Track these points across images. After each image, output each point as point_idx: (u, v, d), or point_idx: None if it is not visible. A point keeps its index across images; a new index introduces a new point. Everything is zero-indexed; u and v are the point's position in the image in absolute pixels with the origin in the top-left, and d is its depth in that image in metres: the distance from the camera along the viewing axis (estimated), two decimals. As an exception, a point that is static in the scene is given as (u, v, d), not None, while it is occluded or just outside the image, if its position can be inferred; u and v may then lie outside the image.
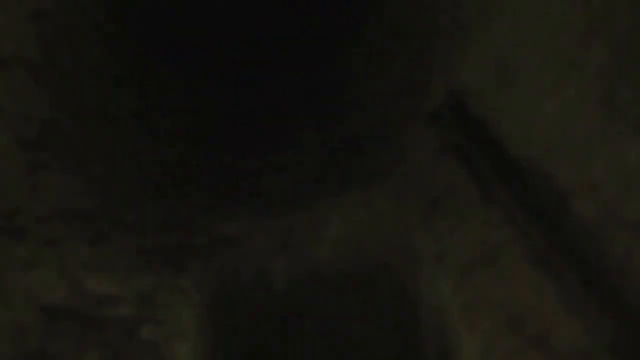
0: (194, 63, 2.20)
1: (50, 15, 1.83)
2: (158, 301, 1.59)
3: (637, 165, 1.21)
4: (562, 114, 1.44)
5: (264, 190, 2.02)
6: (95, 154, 1.81)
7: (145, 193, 1.86)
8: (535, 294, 1.29)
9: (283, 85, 2.11)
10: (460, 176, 1.63)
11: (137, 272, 1.62)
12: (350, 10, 2.23)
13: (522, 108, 1.57)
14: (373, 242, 1.80)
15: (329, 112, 2.08)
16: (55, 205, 1.61)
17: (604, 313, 1.16)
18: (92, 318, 1.47)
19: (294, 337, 1.83)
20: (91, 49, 2.05)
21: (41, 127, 1.70)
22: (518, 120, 1.54)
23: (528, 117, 1.53)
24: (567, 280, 1.24)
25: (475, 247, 1.43)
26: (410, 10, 1.90)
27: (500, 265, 1.36)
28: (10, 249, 1.47)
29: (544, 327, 1.23)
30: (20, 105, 1.67)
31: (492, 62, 1.69)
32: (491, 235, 1.42)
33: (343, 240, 1.84)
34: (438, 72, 1.89)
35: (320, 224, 1.88)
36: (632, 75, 1.27)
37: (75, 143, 1.78)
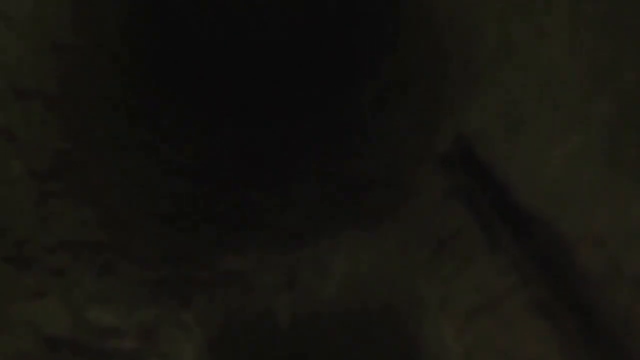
0: (209, 99, 2.23)
1: (68, 48, 1.87)
2: (161, 335, 1.59)
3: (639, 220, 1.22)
4: (567, 165, 1.45)
5: (270, 225, 2.04)
6: (106, 184, 1.84)
7: (153, 225, 1.88)
8: (537, 343, 1.29)
9: (293, 125, 2.14)
10: (467, 221, 1.64)
11: (141, 305, 1.62)
12: (365, 51, 2.26)
13: (528, 156, 1.58)
14: (378, 283, 1.81)
15: (337, 152, 2.10)
16: (64, 235, 1.63)
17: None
18: (95, 350, 1.48)
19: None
20: (107, 81, 2.09)
21: (53, 157, 1.73)
22: (524, 168, 1.56)
23: (534, 165, 1.54)
24: (570, 331, 1.24)
25: (479, 293, 1.43)
26: (423, 55, 1.93)
27: (504, 312, 1.36)
28: (17, 278, 1.49)
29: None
30: (34, 135, 1.71)
31: (501, 109, 1.71)
32: (495, 282, 1.43)
33: (348, 279, 1.85)
34: (447, 116, 1.92)
35: (325, 261, 1.88)
36: (637, 131, 1.29)
37: (86, 173, 1.80)
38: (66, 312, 1.55)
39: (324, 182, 2.14)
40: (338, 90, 2.04)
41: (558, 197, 1.40)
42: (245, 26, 2.38)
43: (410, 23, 2.04)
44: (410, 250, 1.75)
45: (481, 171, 1.66)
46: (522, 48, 1.61)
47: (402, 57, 1.96)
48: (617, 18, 1.35)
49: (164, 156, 2.09)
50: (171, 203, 1.98)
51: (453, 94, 1.78)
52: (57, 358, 1.48)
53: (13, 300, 1.46)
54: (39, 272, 1.55)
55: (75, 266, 1.63)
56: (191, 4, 2.46)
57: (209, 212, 2.02)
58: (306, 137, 2.16)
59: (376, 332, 1.81)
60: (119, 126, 2.01)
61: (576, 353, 1.21)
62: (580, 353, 1.20)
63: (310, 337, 1.81)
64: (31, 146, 1.69)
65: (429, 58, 1.86)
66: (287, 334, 1.82)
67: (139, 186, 1.93)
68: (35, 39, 1.68)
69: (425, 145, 1.95)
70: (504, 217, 1.52)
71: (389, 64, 2.00)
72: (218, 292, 1.76)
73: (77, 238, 1.64)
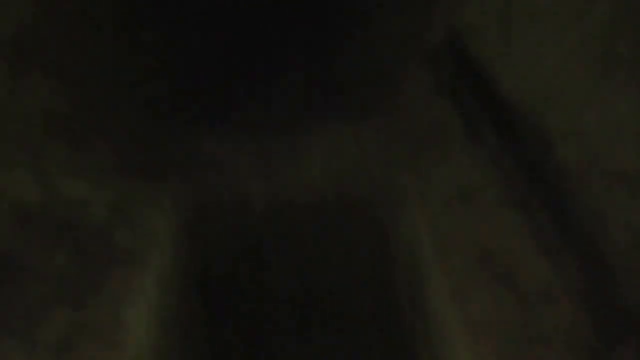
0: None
1: None
2: (134, 211, 1.57)
3: (627, 116, 1.20)
4: (560, 63, 1.42)
5: (250, 114, 2.00)
6: (76, 61, 1.77)
7: (128, 106, 1.83)
8: (508, 233, 1.29)
9: (279, 18, 2.07)
10: (451, 116, 1.62)
11: (113, 179, 1.60)
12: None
13: (520, 54, 1.54)
14: (356, 176, 1.79)
15: (324, 46, 2.05)
16: (33, 106, 1.58)
17: (576, 260, 1.16)
18: (65, 221, 1.46)
19: (268, 261, 1.84)
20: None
21: (21, 30, 1.66)
22: (516, 65, 1.52)
23: (527, 62, 1.50)
24: (543, 224, 1.24)
25: (457, 184, 1.42)
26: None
27: (479, 203, 1.35)
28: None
29: (513, 264, 1.24)
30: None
31: (498, 5, 1.65)
32: (474, 175, 1.42)
33: (326, 170, 1.83)
34: (440, 11, 1.85)
35: (304, 152, 1.86)
36: (633, 31, 1.25)
37: (53, 46, 1.73)
38: (36, 182, 1.52)
39: (308, 76, 2.09)
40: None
41: (548, 94, 1.37)
42: None
43: None
44: (392, 145, 1.73)
45: (470, 66, 1.62)
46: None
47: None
48: None
49: (144, 41, 2.01)
50: (148, 87, 1.92)
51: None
52: (26, 228, 1.46)
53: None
54: (8, 144, 1.51)
55: (45, 138, 1.59)
56: None
57: (188, 95, 1.97)
58: (292, 32, 2.09)
59: (351, 224, 1.82)
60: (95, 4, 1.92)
61: (550, 247, 1.21)
62: (553, 247, 1.21)
63: (284, 225, 1.81)
64: None
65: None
66: (260, 221, 1.82)
67: (114, 67, 1.87)
68: None
69: (415, 40, 1.89)
70: (488, 112, 1.50)
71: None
72: (193, 173, 1.73)
73: (46, 109, 1.59)
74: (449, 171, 1.46)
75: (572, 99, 1.34)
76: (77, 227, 1.45)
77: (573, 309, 1.11)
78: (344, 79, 2.03)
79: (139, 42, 1.89)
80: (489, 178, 1.37)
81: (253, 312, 1.91)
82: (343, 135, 1.85)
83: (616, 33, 1.33)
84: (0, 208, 1.49)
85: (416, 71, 1.79)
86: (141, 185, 1.61)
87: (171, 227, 1.63)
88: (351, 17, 2.12)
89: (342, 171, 1.81)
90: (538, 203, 1.26)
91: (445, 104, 1.59)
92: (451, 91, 1.61)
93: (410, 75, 1.81)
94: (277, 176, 1.83)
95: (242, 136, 1.90)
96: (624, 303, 1.04)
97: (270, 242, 1.80)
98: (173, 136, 1.84)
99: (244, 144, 1.88)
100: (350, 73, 2.05)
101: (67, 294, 1.32)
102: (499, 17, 1.64)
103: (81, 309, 1.29)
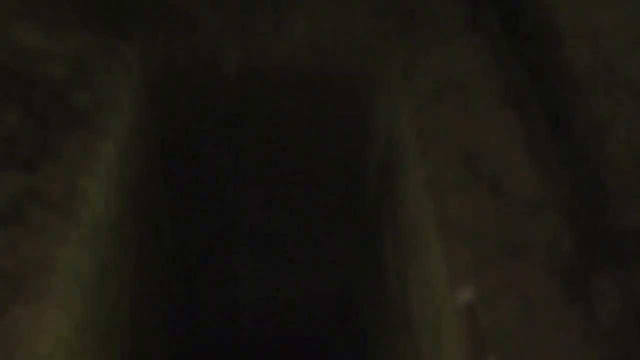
0: None
1: None
2: (95, 66, 1.44)
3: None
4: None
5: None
6: None
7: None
8: (499, 134, 1.21)
9: None
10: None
11: (74, 29, 1.45)
12: None
13: None
14: (339, 45, 1.66)
15: None
16: None
17: (568, 173, 1.10)
18: (18, 74, 1.33)
19: (237, 133, 1.74)
20: None
21: None
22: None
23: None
24: (537, 130, 1.16)
25: (449, 72, 1.31)
26: None
27: (471, 98, 1.26)
28: None
29: (499, 169, 1.17)
30: None
31: None
32: (469, 61, 1.31)
33: (308, 35, 1.69)
34: None
35: (287, 12, 1.70)
36: None
37: None
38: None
39: None
40: None
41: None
42: None
43: None
44: (383, 12, 1.58)
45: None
46: None
47: None
48: None
49: None
50: None
51: None
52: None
53: None
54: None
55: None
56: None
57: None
58: None
59: (327, 100, 1.71)
60: None
61: (541, 149, 1.14)
62: (545, 150, 1.13)
63: (257, 95, 1.70)
64: None
65: None
66: (233, 85, 1.70)
67: None
68: None
69: None
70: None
71: None
72: (162, 28, 1.58)
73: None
74: (442, 56, 1.35)
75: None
76: (32, 83, 1.32)
77: (557, 224, 1.05)
78: None
79: None
80: (486, 70, 1.26)
81: (219, 187, 1.84)
82: (328, 2, 1.69)
83: None
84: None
85: None
86: (104, 39, 1.47)
87: (134, 89, 1.50)
88: None
89: (325, 37, 1.67)
90: (535, 106, 1.17)
91: (446, -21, 1.44)
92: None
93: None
94: (255, 39, 1.68)
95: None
96: (613, 225, 0.99)
97: (240, 113, 1.70)
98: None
99: (221, 1, 1.71)
100: None
101: (17, 156, 1.22)
102: None
103: (32, 174, 1.20)
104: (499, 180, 1.15)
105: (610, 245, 0.98)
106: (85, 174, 1.24)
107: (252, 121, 1.75)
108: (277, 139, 1.82)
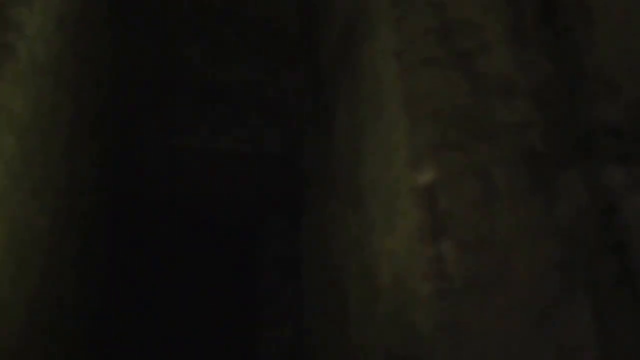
0: None
1: None
2: None
3: None
4: None
5: None
6: None
7: None
8: (480, 7, 1.13)
9: None
10: None
11: None
12: None
13: None
14: None
15: None
16: None
17: (548, 58, 1.04)
18: None
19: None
20: None
21: None
22: None
23: None
24: (523, 6, 1.08)
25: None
26: None
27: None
28: None
29: (476, 45, 1.10)
30: None
31: None
32: None
33: None
34: None
35: None
36: None
37: None
38: None
39: None
40: None
41: None
42: None
43: None
44: None
45: None
46: None
47: None
48: None
49: None
50: None
51: None
52: None
53: None
54: None
55: None
56: None
57: None
58: None
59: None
60: None
61: (524, 31, 1.07)
62: (528, 33, 1.06)
63: None
64: None
65: None
66: None
67: None
68: None
69: None
70: None
71: None
72: None
73: None
74: None
75: None
76: None
77: (529, 111, 1.01)
78: None
79: None
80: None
81: (164, 33, 1.71)
82: None
83: None
84: None
85: None
86: None
87: None
88: None
89: None
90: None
91: None
92: None
93: None
94: None
95: None
96: (586, 119, 0.95)
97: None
98: None
99: None
100: None
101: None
102: None
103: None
104: (474, 58, 1.08)
105: (580, 139, 0.94)
106: (20, 4, 1.10)
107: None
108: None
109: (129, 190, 2.19)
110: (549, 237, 0.91)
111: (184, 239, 2.39)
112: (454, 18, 1.14)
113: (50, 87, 1.24)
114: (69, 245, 1.51)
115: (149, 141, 2.07)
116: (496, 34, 1.09)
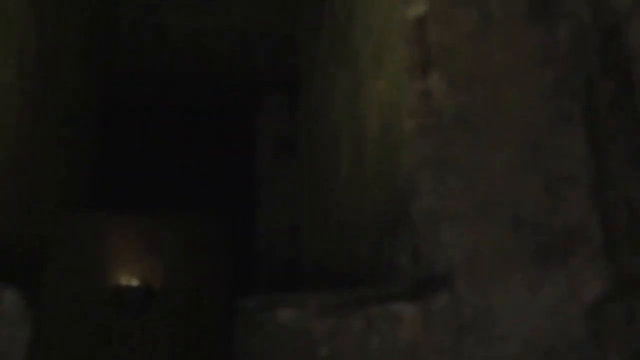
0: None
1: None
2: None
3: None
4: None
5: None
6: None
7: None
8: None
9: None
10: None
11: None
12: None
13: None
14: None
15: None
16: None
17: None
18: None
19: None
20: None
21: None
22: None
23: None
24: None
25: None
26: None
27: None
28: None
29: None
30: None
31: None
32: None
33: None
34: None
35: None
36: None
37: None
38: None
39: None
40: None
41: None
42: None
43: None
44: None
45: None
46: None
47: None
48: None
49: None
50: None
51: None
52: None
53: None
54: None
55: None
56: None
57: None
58: None
59: None
60: None
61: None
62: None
63: None
64: None
65: None
66: None
67: None
68: None
69: None
70: None
71: None
72: None
73: None
74: None
75: None
76: None
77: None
78: None
79: None
80: None
81: None
82: None
83: None
84: None
85: None
86: None
87: None
88: None
89: None
90: None
91: None
92: None
93: None
94: None
95: None
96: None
97: None
98: None
99: None
100: None
101: None
102: None
103: None
104: None
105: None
106: None
107: None
108: None
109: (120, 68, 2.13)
110: (545, 66, 0.84)
111: (183, 121, 2.33)
112: None
113: None
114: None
115: (133, 21, 2.00)
116: None
